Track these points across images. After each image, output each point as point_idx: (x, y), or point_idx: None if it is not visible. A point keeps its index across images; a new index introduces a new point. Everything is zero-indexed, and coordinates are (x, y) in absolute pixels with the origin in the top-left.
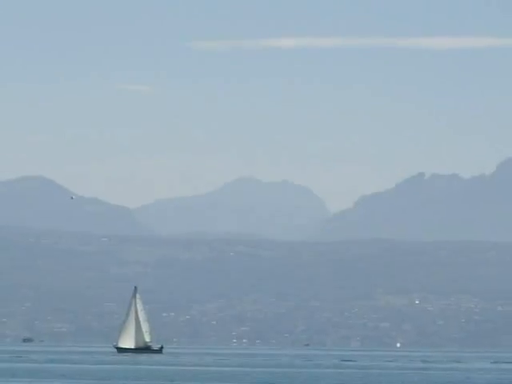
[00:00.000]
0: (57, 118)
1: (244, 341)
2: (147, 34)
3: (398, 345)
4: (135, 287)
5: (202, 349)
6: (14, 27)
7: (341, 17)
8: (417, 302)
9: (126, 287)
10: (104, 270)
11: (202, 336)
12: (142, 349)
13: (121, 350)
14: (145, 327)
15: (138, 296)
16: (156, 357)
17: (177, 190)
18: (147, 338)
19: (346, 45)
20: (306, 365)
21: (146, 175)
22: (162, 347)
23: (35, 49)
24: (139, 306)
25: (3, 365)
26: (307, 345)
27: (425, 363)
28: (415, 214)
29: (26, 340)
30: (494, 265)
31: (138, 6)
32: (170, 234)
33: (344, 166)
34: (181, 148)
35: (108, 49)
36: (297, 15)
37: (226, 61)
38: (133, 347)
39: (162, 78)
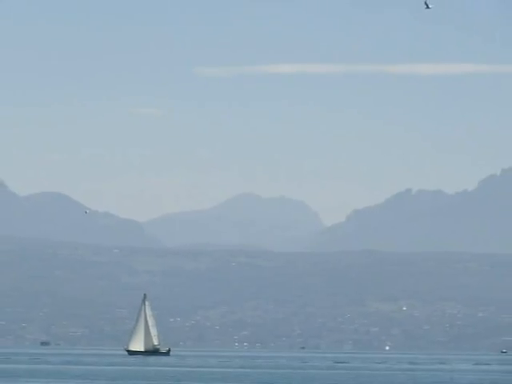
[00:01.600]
0: (73, 139)
1: (245, 344)
2: (157, 61)
3: (387, 348)
4: (144, 294)
5: (206, 351)
6: (35, 53)
7: (334, 45)
8: (404, 308)
9: (135, 295)
10: (115, 279)
11: (206, 340)
12: (151, 351)
13: (131, 353)
14: (153, 331)
15: (147, 303)
16: (164, 359)
17: (183, 205)
18: (155, 342)
19: (338, 71)
20: (302, 366)
21: (154, 191)
22: (169, 350)
23: (54, 75)
24: (148, 312)
25: (23, 366)
26: (303, 348)
27: (412, 365)
28: (403, 227)
29: (43, 343)
30: (475, 274)
31: (148, 35)
32: (176, 245)
33: (337, 183)
34: (187, 166)
35: (120, 75)
36: (294, 43)
37: (228, 86)
38: (142, 350)
39: (170, 102)
